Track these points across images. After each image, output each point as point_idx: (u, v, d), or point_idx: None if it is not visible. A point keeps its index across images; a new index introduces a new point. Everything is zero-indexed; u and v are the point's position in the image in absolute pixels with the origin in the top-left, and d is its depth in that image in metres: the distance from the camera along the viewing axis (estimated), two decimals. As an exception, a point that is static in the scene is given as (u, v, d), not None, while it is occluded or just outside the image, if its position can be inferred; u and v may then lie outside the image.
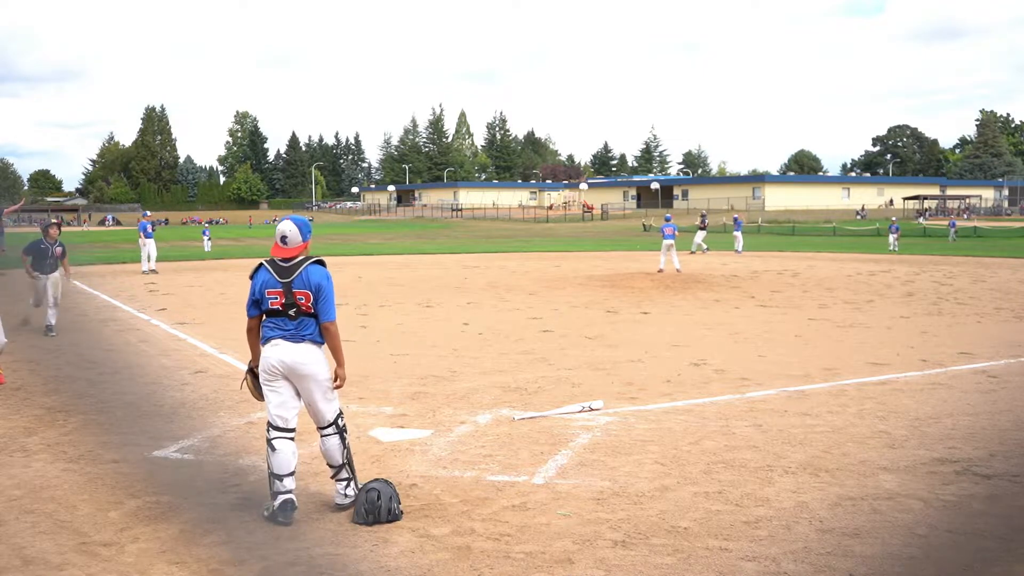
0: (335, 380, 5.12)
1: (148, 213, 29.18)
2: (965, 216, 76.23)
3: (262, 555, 4.45)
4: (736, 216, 38.84)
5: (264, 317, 5.10)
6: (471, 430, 6.99)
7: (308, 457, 6.00)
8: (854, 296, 17.71)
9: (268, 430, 5.06)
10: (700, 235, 34.88)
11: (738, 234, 35.37)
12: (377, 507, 4.90)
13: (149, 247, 25.32)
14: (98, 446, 6.54)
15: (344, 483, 5.18)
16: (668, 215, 28.28)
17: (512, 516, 5.04)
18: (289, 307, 4.99)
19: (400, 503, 5.04)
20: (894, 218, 41.64)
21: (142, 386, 8.76)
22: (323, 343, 5.09)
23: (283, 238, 5.08)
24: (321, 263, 5.11)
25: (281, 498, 4.95)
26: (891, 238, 36.19)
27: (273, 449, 4.99)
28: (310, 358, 5.00)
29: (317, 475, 5.74)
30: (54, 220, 13.72)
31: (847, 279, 21.89)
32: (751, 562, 4.36)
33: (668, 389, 8.58)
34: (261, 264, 5.14)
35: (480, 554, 4.50)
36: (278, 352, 4.98)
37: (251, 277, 5.17)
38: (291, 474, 4.99)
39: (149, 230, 25.76)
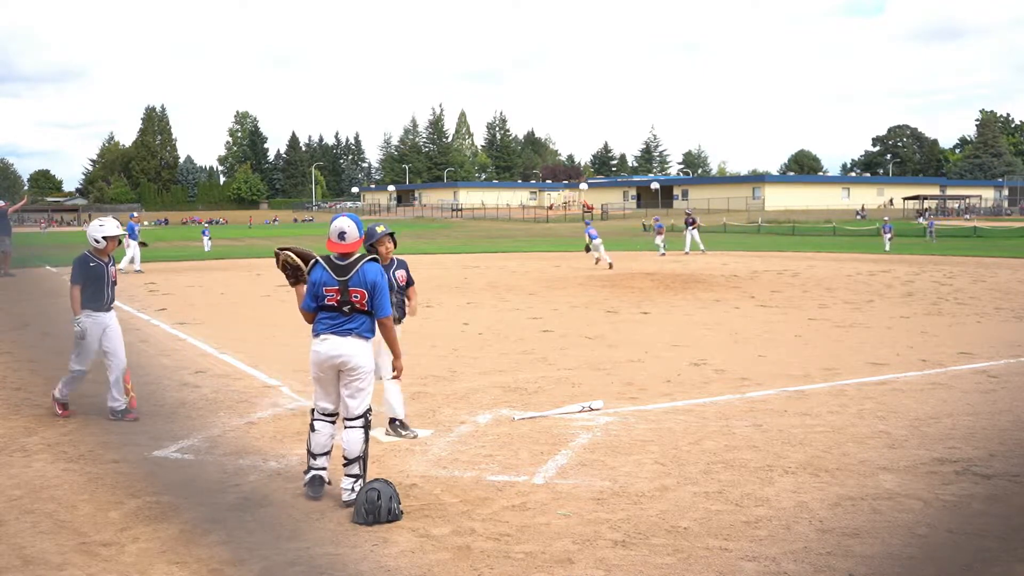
0: (393, 371, 5.49)
1: (136, 215, 29.22)
2: (966, 216, 76.13)
3: (262, 555, 4.45)
4: (657, 218, 36.96)
5: (319, 311, 5.34)
6: (471, 430, 6.99)
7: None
8: (854, 296, 17.70)
9: (312, 412, 5.46)
10: (692, 234, 33.34)
11: (661, 240, 33.09)
12: (377, 507, 4.91)
13: (133, 248, 25.58)
14: (98, 446, 6.54)
15: (353, 479, 5.23)
16: (588, 220, 28.74)
17: (512, 516, 5.04)
18: (344, 304, 5.23)
19: (400, 503, 5.05)
20: (886, 218, 40.75)
21: (142, 386, 8.74)
22: (370, 337, 5.31)
23: (341, 234, 5.25)
24: (376, 260, 5.36)
25: (312, 474, 5.35)
26: (884, 238, 35.70)
27: (313, 429, 5.39)
28: (355, 350, 5.24)
29: (317, 475, 5.74)
30: (381, 228, 6.64)
31: (847, 279, 21.89)
32: (751, 562, 4.36)
33: (668, 389, 8.58)
34: (317, 261, 5.33)
35: (480, 554, 4.50)
36: (326, 346, 5.25)
37: (307, 273, 5.41)
38: (325, 454, 5.37)
39: (136, 232, 26.13)
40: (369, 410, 5.32)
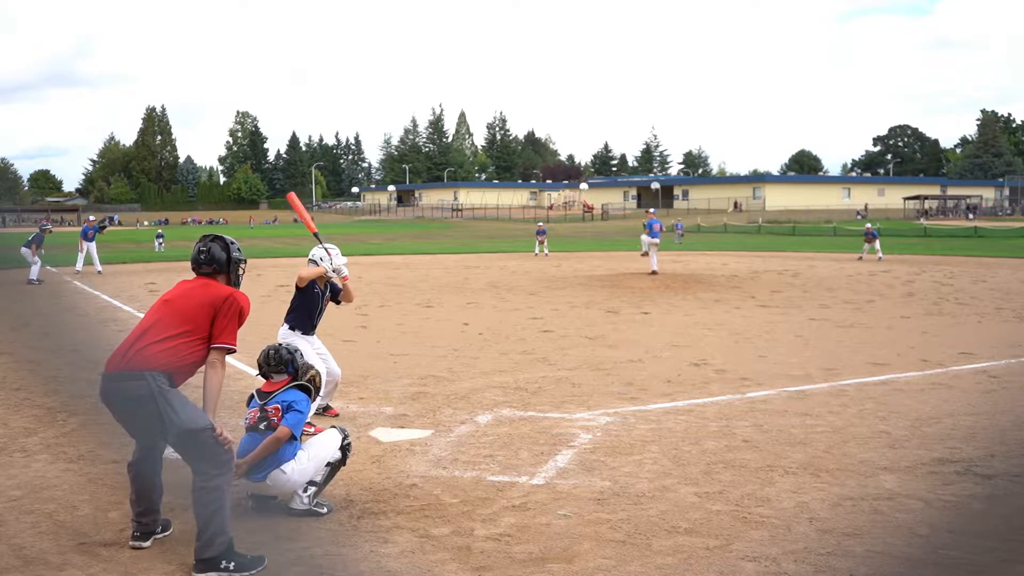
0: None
1: (92, 218, 29.43)
2: (969, 216, 76.04)
3: (262, 555, 4.44)
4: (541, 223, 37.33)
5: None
6: (471, 430, 6.98)
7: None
8: (854, 296, 17.70)
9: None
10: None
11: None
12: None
13: (91, 249, 25.64)
14: (98, 446, 6.53)
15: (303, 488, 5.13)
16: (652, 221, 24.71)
17: (512, 516, 5.04)
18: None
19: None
20: (868, 225, 34.85)
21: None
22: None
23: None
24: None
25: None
26: (875, 244, 30.65)
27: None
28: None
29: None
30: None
31: (847, 279, 21.88)
32: (751, 562, 4.35)
33: (668, 389, 8.58)
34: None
35: (480, 554, 4.49)
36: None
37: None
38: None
39: (91, 235, 26.07)
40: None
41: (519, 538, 4.71)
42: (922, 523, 4.88)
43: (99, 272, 25.12)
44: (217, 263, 4.67)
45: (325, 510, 5.08)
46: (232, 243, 4.76)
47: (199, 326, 4.41)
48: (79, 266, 25.20)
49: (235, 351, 4.50)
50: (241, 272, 4.79)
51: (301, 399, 5.20)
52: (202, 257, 4.67)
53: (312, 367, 5.64)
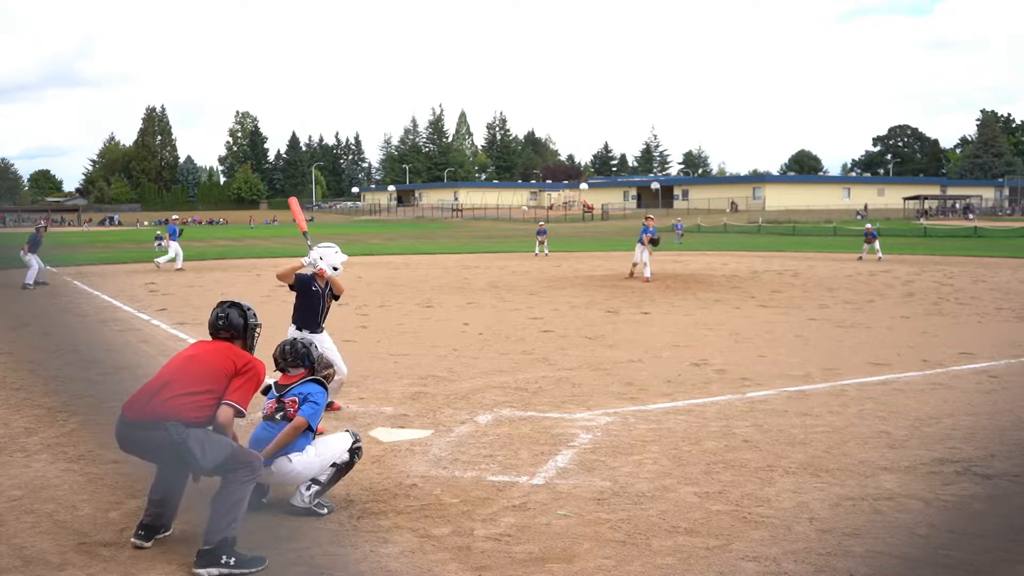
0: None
1: (176, 217, 31.17)
2: (969, 216, 76.05)
3: (263, 555, 4.44)
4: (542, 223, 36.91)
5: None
6: (471, 430, 6.99)
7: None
8: (854, 296, 17.70)
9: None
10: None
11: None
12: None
13: (175, 247, 26.68)
14: (98, 446, 6.52)
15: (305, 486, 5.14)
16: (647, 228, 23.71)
17: (512, 516, 5.04)
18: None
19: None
20: (868, 225, 35.04)
21: (142, 386, 8.74)
22: None
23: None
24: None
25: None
26: (875, 244, 30.26)
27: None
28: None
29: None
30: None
31: (847, 279, 21.88)
32: (751, 562, 4.36)
33: (668, 389, 8.58)
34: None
35: (480, 554, 4.49)
36: None
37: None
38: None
39: (177, 234, 27.28)
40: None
41: (519, 538, 4.71)
42: (922, 523, 4.88)
43: (155, 265, 26.11)
44: (235, 329, 4.87)
45: (325, 510, 5.09)
46: (249, 309, 4.97)
47: (219, 387, 4.57)
48: (162, 260, 26.28)
49: (244, 415, 4.60)
50: (257, 336, 4.99)
51: (317, 391, 5.29)
52: (220, 323, 4.87)
53: (330, 365, 5.76)
